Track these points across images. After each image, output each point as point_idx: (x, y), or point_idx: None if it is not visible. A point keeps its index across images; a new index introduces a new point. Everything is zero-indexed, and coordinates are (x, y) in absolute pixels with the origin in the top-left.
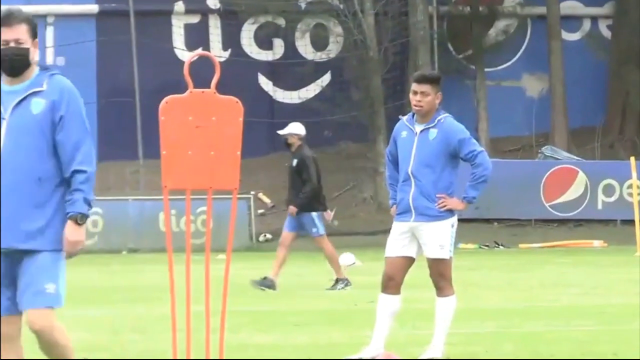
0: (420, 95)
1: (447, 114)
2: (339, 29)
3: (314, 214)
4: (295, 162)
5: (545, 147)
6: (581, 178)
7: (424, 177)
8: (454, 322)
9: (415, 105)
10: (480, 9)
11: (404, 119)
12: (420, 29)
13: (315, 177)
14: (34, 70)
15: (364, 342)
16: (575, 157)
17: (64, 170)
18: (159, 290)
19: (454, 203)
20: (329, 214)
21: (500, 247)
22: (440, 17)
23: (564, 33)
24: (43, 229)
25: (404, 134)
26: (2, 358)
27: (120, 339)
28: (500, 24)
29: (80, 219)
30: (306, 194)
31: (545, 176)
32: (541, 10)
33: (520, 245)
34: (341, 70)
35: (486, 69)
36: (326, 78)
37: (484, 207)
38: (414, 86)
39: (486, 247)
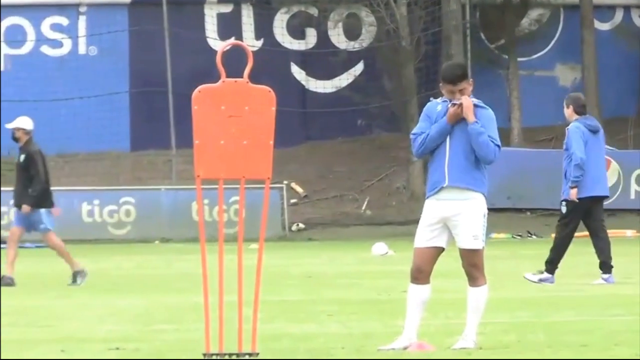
0: (459, 93)
1: (478, 100)
2: (371, 19)
3: (42, 210)
4: (22, 157)
5: None
6: (614, 168)
7: (461, 146)
8: (486, 312)
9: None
10: None
11: (437, 100)
12: (453, 18)
13: (43, 172)
14: None
15: (398, 331)
16: (608, 147)
17: None
18: (191, 280)
19: (468, 108)
20: (57, 210)
21: (533, 236)
22: (472, 7)
23: (596, 22)
24: None
25: (439, 107)
26: None
27: (152, 329)
28: (533, 14)
29: None
30: (36, 191)
31: None
32: None
33: (553, 235)
34: (374, 59)
35: (519, 59)
36: (359, 67)
37: (517, 197)
38: (450, 87)
39: (519, 237)
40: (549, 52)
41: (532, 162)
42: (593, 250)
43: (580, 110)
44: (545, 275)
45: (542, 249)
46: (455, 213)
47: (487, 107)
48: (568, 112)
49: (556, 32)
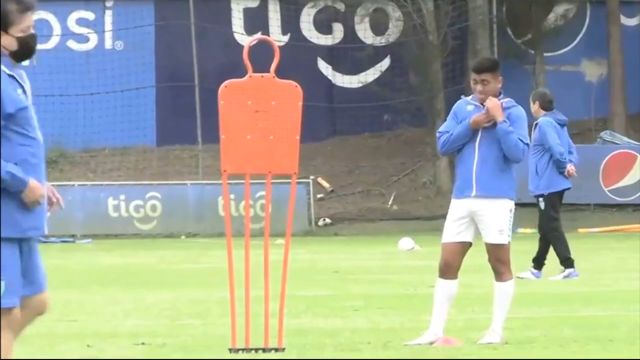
0: (481, 84)
1: (508, 99)
2: (398, 14)
3: None
4: None
5: (604, 131)
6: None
7: (489, 152)
8: (512, 307)
9: (478, 94)
10: None
11: (467, 98)
12: (480, 13)
13: None
14: None
15: (424, 326)
16: (634, 142)
17: None
18: (217, 274)
19: (497, 109)
20: None
21: None
22: (499, 2)
23: (622, 18)
24: None
25: (470, 107)
26: None
27: (179, 324)
28: (560, 9)
29: None
30: None
31: (604, 161)
32: None
33: (579, 230)
34: (400, 54)
35: (545, 54)
36: (385, 62)
37: None
38: (474, 75)
39: None
40: (575, 47)
41: None
42: (621, 244)
43: (547, 105)
44: (568, 271)
45: (569, 244)
46: (482, 207)
47: (517, 105)
48: (534, 107)
49: (582, 27)
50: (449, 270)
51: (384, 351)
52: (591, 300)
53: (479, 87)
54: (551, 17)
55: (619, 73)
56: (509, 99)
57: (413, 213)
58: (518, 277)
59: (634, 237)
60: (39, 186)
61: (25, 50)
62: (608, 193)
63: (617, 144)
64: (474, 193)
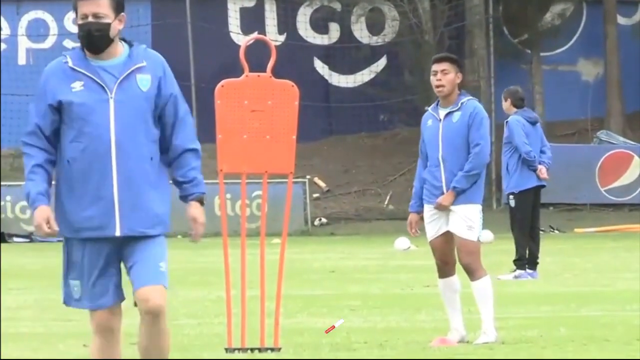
0: (440, 74)
1: (471, 97)
2: (394, 13)
3: None
4: None
5: (601, 131)
6: (636, 162)
7: (454, 160)
8: (508, 307)
9: (437, 86)
10: None
11: (429, 109)
12: (476, 13)
13: None
14: (120, 45)
15: (420, 326)
16: (630, 142)
17: (171, 149)
18: (213, 274)
19: (446, 199)
20: None
21: (556, 231)
22: (496, 1)
23: (619, 18)
24: (163, 212)
25: (430, 122)
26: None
27: (175, 323)
28: (556, 8)
29: (203, 200)
30: None
31: (601, 161)
32: None
33: (576, 230)
34: (396, 54)
35: (542, 53)
36: (382, 62)
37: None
38: (434, 67)
39: (542, 232)
40: (571, 46)
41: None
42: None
43: (519, 103)
44: (519, 272)
45: (565, 244)
46: (452, 209)
47: (474, 99)
48: (506, 105)
49: (579, 26)
50: (445, 267)
51: (380, 351)
52: (588, 300)
53: (437, 77)
54: (548, 16)
55: (615, 73)
56: (471, 97)
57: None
58: (515, 277)
59: (630, 237)
60: (40, 215)
61: (83, 39)
62: (605, 193)
63: (613, 143)
64: None
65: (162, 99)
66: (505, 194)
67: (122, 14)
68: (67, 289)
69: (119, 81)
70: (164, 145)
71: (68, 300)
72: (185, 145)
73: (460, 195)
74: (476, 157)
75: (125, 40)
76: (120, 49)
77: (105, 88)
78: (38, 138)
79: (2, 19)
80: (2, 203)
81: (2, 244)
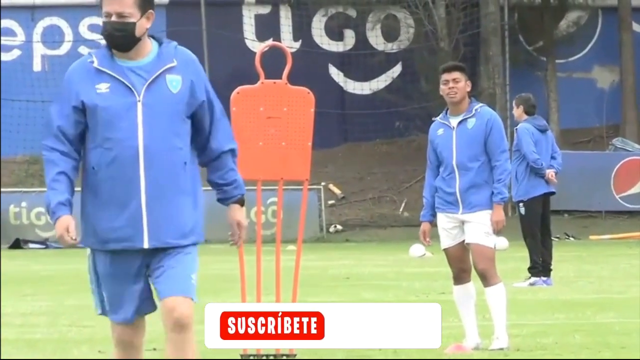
0: (452, 82)
1: (483, 104)
2: (410, 20)
3: None
4: None
5: (616, 138)
6: None
7: (469, 167)
8: (523, 314)
9: (449, 94)
10: (552, 0)
11: (437, 118)
12: (492, 20)
13: None
14: (149, 43)
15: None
16: None
17: (208, 151)
18: (229, 281)
19: (499, 214)
20: None
21: (571, 238)
22: (511, 9)
23: (634, 25)
24: (195, 221)
25: (441, 131)
26: None
27: None
28: (572, 16)
29: (244, 201)
30: None
31: (616, 168)
32: (612, 1)
33: (591, 237)
34: (412, 61)
35: (557, 61)
36: (397, 69)
37: (554, 199)
38: (444, 76)
39: (557, 239)
40: (587, 54)
41: (570, 164)
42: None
43: (531, 110)
44: (533, 279)
45: (580, 251)
46: (468, 217)
47: (485, 105)
48: (518, 112)
49: (594, 34)
50: (462, 274)
51: (394, 357)
52: (603, 307)
53: (449, 86)
54: (563, 24)
55: (630, 80)
56: (481, 104)
57: None
58: (530, 285)
59: None
60: (61, 225)
61: (106, 39)
62: (619, 200)
63: (628, 150)
64: (460, 211)
65: (195, 101)
66: (515, 201)
67: (150, 11)
68: (96, 299)
69: (147, 83)
70: (199, 146)
71: (100, 309)
72: (223, 147)
73: (476, 203)
74: (506, 163)
75: (154, 38)
76: (149, 48)
77: (133, 90)
78: (60, 142)
79: (17, 25)
80: (17, 209)
81: (18, 250)
